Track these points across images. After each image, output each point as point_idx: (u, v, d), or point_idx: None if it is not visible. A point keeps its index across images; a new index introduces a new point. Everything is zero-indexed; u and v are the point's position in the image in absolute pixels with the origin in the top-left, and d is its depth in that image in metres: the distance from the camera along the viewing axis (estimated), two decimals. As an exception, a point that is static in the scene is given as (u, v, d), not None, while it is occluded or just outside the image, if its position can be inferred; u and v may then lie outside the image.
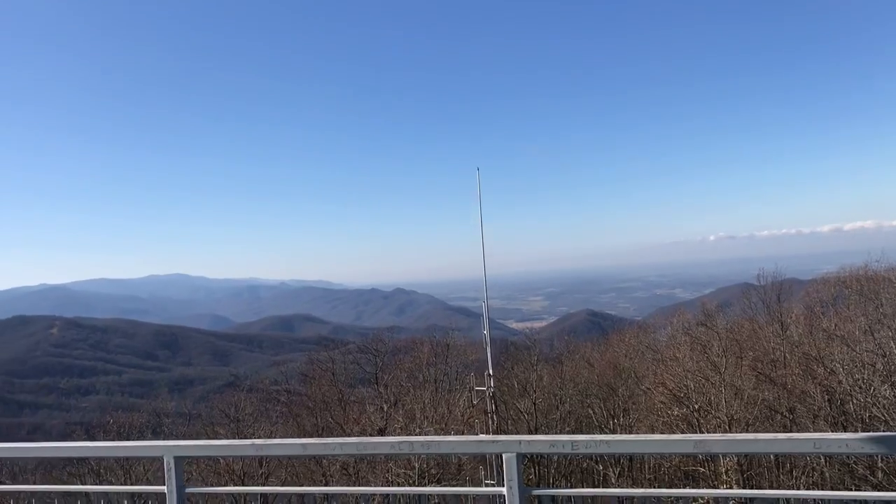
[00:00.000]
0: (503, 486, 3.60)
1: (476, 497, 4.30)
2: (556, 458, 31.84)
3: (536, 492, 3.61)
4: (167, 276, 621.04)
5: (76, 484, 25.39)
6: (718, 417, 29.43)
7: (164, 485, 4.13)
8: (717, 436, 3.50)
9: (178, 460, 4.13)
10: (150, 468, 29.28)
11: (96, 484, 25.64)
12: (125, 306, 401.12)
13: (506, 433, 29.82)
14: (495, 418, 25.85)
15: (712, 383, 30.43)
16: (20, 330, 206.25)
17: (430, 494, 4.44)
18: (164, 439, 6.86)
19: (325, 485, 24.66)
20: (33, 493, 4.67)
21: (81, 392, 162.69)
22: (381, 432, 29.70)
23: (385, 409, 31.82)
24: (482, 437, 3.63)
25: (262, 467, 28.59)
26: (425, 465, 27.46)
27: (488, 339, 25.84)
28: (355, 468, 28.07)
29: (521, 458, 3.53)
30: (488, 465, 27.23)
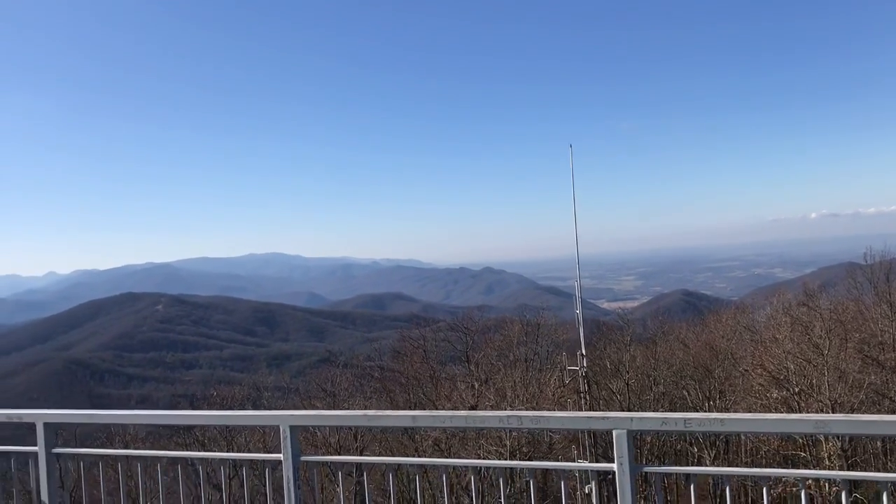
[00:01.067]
0: (612, 463, 3.58)
1: (565, 474, 4.29)
2: (648, 438, 31.39)
3: (647, 469, 3.58)
4: (265, 254, 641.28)
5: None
6: (821, 401, 28.34)
7: (280, 453, 4.31)
8: (840, 416, 3.37)
9: (294, 429, 4.30)
10: (250, 438, 30.48)
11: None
12: (225, 284, 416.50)
13: (598, 413, 29.51)
14: (588, 398, 25.71)
15: (814, 366, 29.29)
16: (129, 306, 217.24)
17: (531, 470, 4.45)
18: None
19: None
20: (157, 458, 4.95)
21: (185, 366, 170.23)
22: (473, 409, 29.93)
23: (476, 386, 32.04)
24: (591, 413, 3.62)
25: (356, 441, 29.31)
26: (516, 444, 27.57)
27: (581, 319, 25.66)
28: (447, 444, 28.44)
29: (632, 434, 3.51)
30: (581, 445, 27.18)
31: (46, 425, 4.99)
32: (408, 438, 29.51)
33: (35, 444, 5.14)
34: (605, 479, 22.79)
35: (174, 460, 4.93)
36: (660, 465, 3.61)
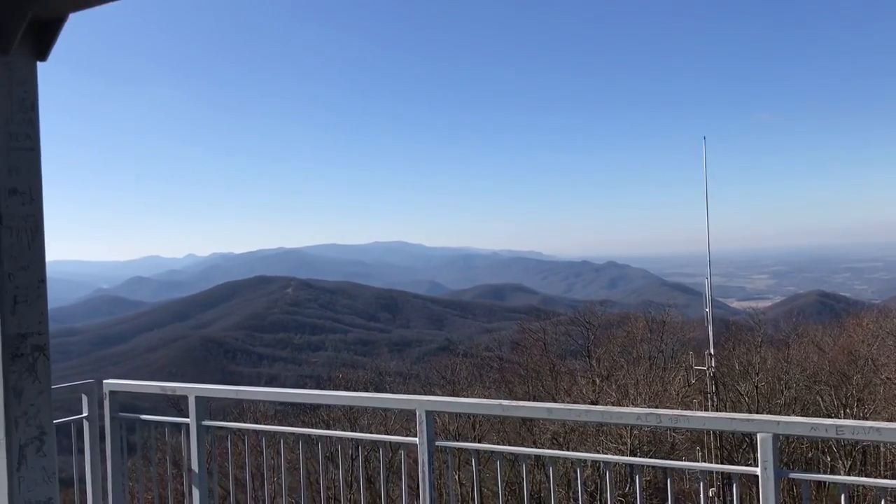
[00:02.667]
0: (755, 466, 3.47)
1: (701, 475, 4.18)
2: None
3: (794, 475, 3.45)
4: (389, 242, 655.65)
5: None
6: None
7: (416, 436, 4.44)
8: None
9: (430, 414, 4.42)
10: (372, 421, 31.28)
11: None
12: (351, 270, 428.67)
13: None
14: (715, 399, 24.89)
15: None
16: (261, 288, 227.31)
17: (650, 468, 4.39)
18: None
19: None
20: (299, 435, 5.20)
21: (312, 348, 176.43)
22: (593, 405, 29.55)
23: (597, 382, 31.62)
24: (735, 414, 3.50)
25: (474, 430, 29.57)
26: (637, 442, 27.07)
27: (710, 317, 24.82)
28: (566, 438, 28.25)
29: (777, 439, 3.38)
30: (706, 448, 26.35)
31: (198, 399, 5.35)
32: (526, 430, 29.50)
33: (186, 417, 5.52)
34: (727, 482, 22.04)
35: (302, 437, 5.17)
36: (803, 472, 3.47)
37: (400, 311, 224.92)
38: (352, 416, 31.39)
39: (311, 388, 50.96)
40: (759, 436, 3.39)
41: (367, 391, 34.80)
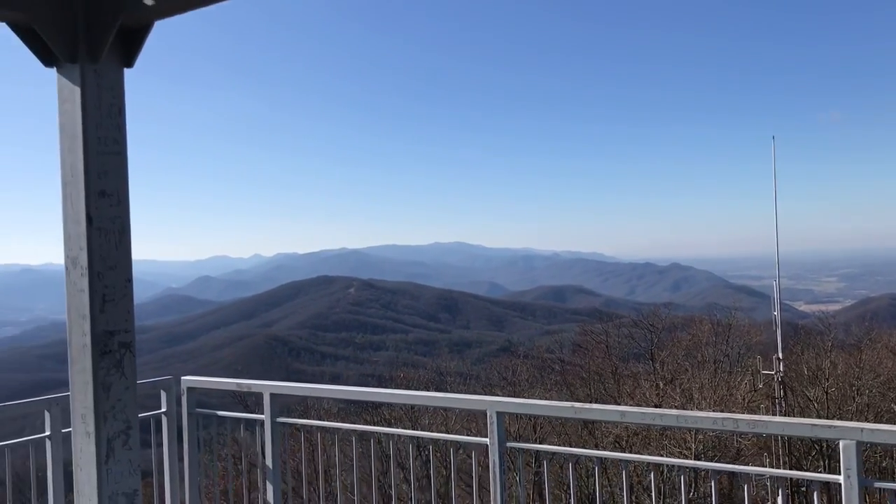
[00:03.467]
0: (838, 474, 3.36)
1: (758, 483, 4.08)
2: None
3: (879, 484, 3.33)
4: (449, 243, 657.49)
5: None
6: None
7: (485, 437, 4.45)
8: None
9: (500, 415, 4.41)
10: (433, 422, 31.37)
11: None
12: (411, 270, 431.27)
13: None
14: (783, 405, 24.24)
15: None
16: (324, 288, 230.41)
17: (716, 473, 4.28)
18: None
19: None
20: (369, 433, 5.27)
21: (373, 347, 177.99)
22: (656, 408, 29.09)
23: (661, 386, 31.11)
24: (816, 420, 3.41)
25: (535, 432, 29.39)
26: (702, 447, 26.52)
27: (778, 321, 24.21)
28: (628, 441, 27.86)
29: (861, 446, 3.27)
30: (773, 454, 25.66)
31: (273, 396, 5.46)
32: (587, 433, 29.21)
33: (254, 413, 5.64)
34: (799, 490, 21.42)
35: (372, 435, 5.25)
36: (889, 482, 3.35)
37: (460, 311, 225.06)
38: (413, 416, 31.55)
39: (373, 386, 51.32)
40: (841, 443, 3.28)
41: (428, 391, 34.98)
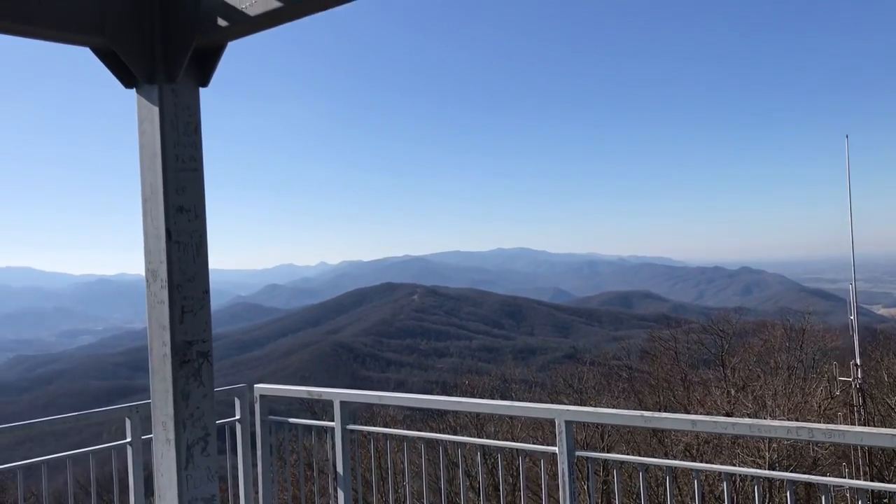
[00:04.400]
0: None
1: (837, 494, 3.94)
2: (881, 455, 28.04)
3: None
4: (512, 249, 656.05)
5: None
6: None
7: (556, 446, 4.43)
8: None
9: (569, 424, 4.40)
10: (499, 429, 31.29)
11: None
12: (474, 277, 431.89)
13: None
14: (862, 412, 23.42)
15: None
16: (388, 295, 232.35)
17: (792, 483, 4.16)
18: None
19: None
20: (437, 441, 5.30)
21: (437, 354, 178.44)
22: (728, 416, 28.41)
23: (732, 393, 30.40)
24: (897, 430, 3.29)
25: (602, 440, 29.03)
26: (776, 456, 25.78)
27: (855, 325, 23.43)
28: (699, 450, 27.29)
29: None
30: (852, 464, 24.78)
31: (342, 403, 5.55)
32: (657, 442, 28.73)
33: (321, 419, 5.74)
34: (881, 501, 20.62)
35: (440, 443, 5.28)
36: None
37: (524, 318, 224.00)
38: (478, 423, 31.53)
39: (437, 393, 51.50)
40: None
41: (492, 398, 34.95)
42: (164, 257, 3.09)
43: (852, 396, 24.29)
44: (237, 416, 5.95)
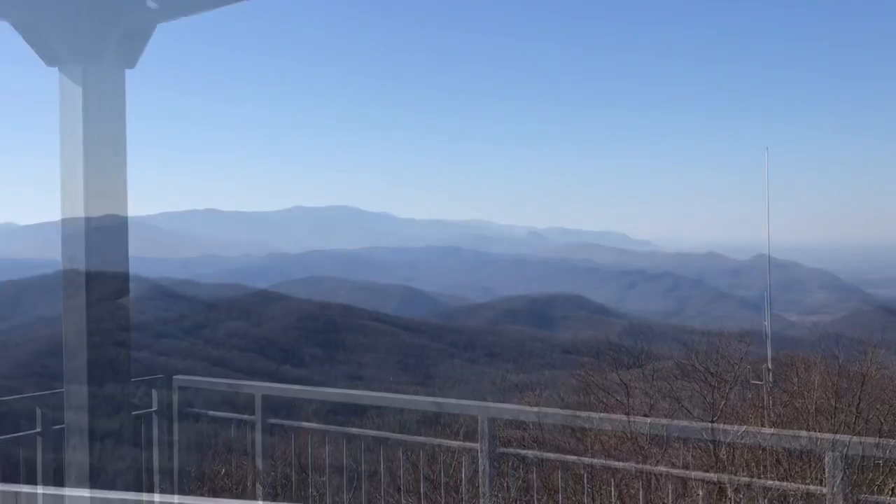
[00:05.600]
0: None
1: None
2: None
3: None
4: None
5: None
6: None
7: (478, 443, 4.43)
8: None
9: (492, 421, 4.42)
10: (423, 428, 31.30)
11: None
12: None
13: None
14: (772, 414, 24.23)
15: None
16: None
17: None
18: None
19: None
20: (353, 435, 5.25)
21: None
22: (646, 417, 29.13)
23: (651, 394, 31.17)
24: None
25: (527, 440, 29.40)
26: (690, 457, 26.48)
27: (768, 331, 24.20)
28: (617, 449, 27.85)
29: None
30: (760, 465, 25.61)
31: (264, 397, 5.48)
32: (576, 441, 29.23)
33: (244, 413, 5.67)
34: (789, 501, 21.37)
35: (357, 437, 5.28)
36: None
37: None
38: (402, 420, 31.50)
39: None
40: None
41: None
42: (82, 242, 3.00)
43: (763, 399, 25.08)
44: (154, 408, 5.82)
